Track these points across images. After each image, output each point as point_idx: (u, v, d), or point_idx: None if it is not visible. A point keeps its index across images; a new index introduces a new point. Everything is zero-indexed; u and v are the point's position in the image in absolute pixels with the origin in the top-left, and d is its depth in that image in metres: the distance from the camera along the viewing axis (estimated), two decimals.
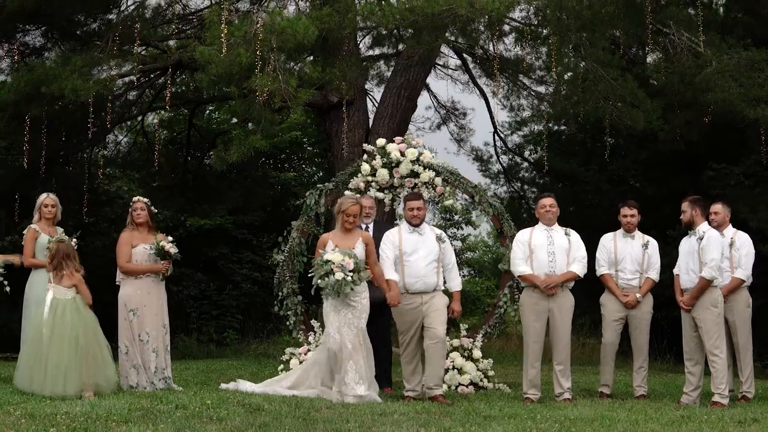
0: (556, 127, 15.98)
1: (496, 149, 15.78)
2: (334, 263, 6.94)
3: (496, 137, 15.45)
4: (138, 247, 7.63)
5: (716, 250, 7.38)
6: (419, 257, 7.45)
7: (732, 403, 7.47)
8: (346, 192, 8.69)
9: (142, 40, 11.72)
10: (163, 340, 7.65)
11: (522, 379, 7.71)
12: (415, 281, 7.43)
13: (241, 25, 9.41)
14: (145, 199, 7.88)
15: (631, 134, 13.34)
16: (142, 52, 12.22)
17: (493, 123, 14.87)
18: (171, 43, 13.62)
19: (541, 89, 14.10)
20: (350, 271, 6.97)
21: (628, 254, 7.99)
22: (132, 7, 12.99)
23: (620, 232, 8.16)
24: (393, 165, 8.66)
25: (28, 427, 4.93)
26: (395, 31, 11.74)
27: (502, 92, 14.29)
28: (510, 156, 16.53)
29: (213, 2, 14.14)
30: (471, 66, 14.50)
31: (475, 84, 14.50)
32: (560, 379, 7.54)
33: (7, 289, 7.87)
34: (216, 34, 9.33)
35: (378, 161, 8.69)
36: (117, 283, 7.87)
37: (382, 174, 8.65)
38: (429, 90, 15.66)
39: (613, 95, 11.41)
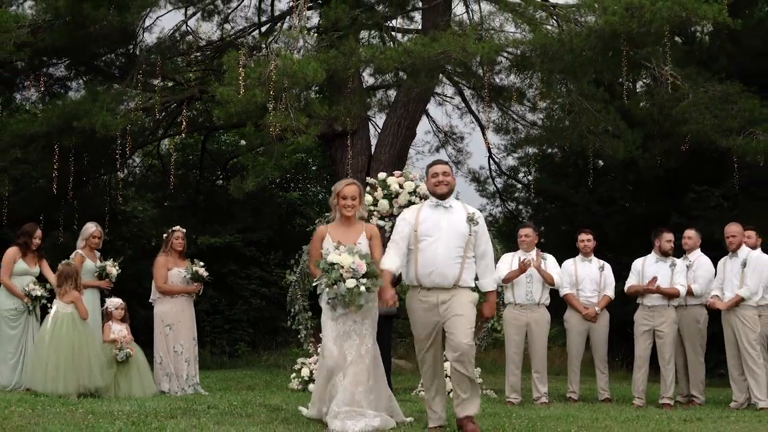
0: (549, 150, 17.38)
1: (490, 172, 17.26)
2: (343, 267, 6.01)
3: (491, 161, 16.92)
4: (173, 270, 9.08)
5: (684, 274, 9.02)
6: (439, 239, 6.05)
7: (686, 406, 8.92)
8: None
9: (162, 75, 13.18)
10: (193, 351, 9.08)
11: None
12: (429, 271, 6.03)
13: (256, 67, 10.83)
14: (184, 230, 9.34)
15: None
16: (162, 84, 13.58)
17: (488, 148, 16.31)
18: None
19: (533, 115, 15.58)
20: (363, 276, 6.03)
21: (587, 276, 9.43)
22: (149, 41, 14.55)
23: (579, 257, 9.60)
24: (393, 196, 10.01)
25: (96, 422, 6.30)
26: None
27: (494, 121, 15.74)
28: (504, 179, 17.95)
29: (224, 36, 15.74)
30: (467, 95, 15.93)
31: (471, 112, 15.94)
32: (537, 384, 8.95)
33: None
34: (233, 76, 10.76)
35: (379, 193, 10.07)
36: (150, 302, 9.32)
37: (383, 204, 10.01)
38: (428, 116, 17.11)
39: (596, 126, 12.84)
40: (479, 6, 12.72)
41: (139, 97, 12.23)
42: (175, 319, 9.01)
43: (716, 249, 10.08)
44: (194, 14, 13.93)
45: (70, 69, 14.53)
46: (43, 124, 12.14)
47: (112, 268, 9.50)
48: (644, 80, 14.42)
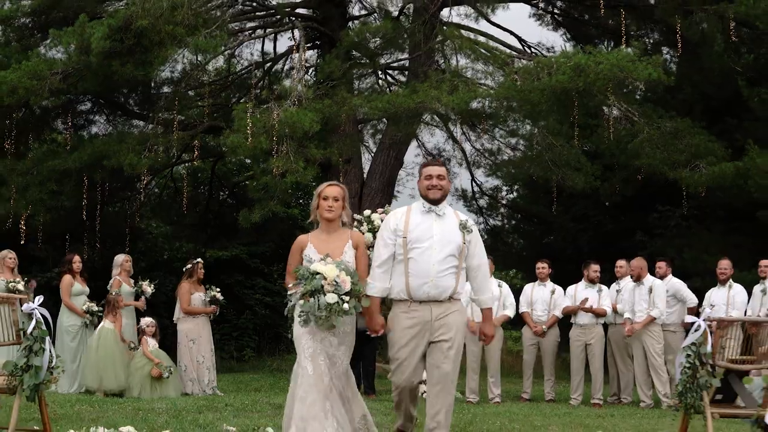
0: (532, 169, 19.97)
1: (473, 194, 19.89)
2: (325, 279, 5.72)
3: (473, 184, 19.61)
4: (195, 294, 11.75)
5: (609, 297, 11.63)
6: (432, 248, 5.92)
7: (615, 405, 11.55)
8: None
9: (178, 112, 15.82)
10: (212, 360, 11.76)
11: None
12: (423, 283, 5.90)
13: (261, 117, 13.44)
14: (202, 261, 12.00)
15: None
16: (179, 120, 16.14)
17: (470, 172, 18.95)
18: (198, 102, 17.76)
19: (512, 141, 18.18)
20: (346, 294, 5.74)
21: (540, 298, 12.04)
22: (162, 74, 17.18)
23: (537, 282, 12.21)
24: (376, 230, 12.55)
25: (146, 416, 8.93)
26: None
27: (478, 143, 18.37)
28: (486, 199, 20.61)
29: (231, 70, 18.38)
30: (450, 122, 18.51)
31: (453, 139, 18.54)
32: (492, 387, 11.59)
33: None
34: (242, 125, 13.37)
35: (365, 227, 12.65)
36: (175, 321, 12.01)
37: (368, 237, 12.54)
38: (417, 139, 19.66)
39: (559, 160, 15.43)
40: (456, 58, 15.30)
41: (160, 139, 14.81)
42: (197, 335, 11.72)
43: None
44: (209, 61, 16.50)
45: (94, 105, 17.25)
46: (76, 162, 14.78)
47: (148, 288, 12.15)
48: (607, 114, 16.91)
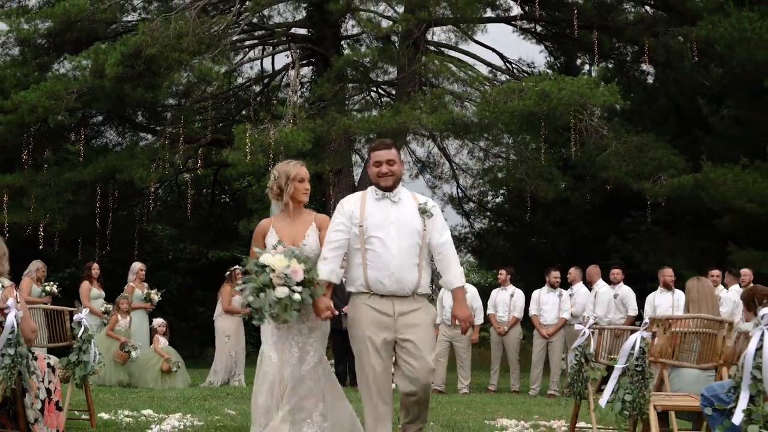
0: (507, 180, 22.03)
1: (459, 200, 21.99)
2: (274, 272, 5.48)
3: (459, 190, 21.72)
4: (235, 297, 13.89)
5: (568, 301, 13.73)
6: (390, 238, 5.67)
7: (567, 396, 13.65)
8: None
9: (183, 127, 17.95)
10: (242, 355, 14.07)
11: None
12: (383, 276, 5.66)
13: (259, 136, 15.55)
14: (240, 268, 14.14)
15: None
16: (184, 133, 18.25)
17: (456, 180, 21.05)
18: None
19: (495, 150, 20.27)
20: (298, 284, 5.49)
21: (501, 301, 14.10)
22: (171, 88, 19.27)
23: (500, 287, 14.32)
24: None
25: (161, 402, 11.04)
26: None
27: (464, 152, 20.50)
28: (471, 205, 22.73)
29: (232, 83, 20.49)
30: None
31: (440, 148, 20.67)
32: (462, 380, 13.67)
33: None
34: (242, 143, 15.49)
35: None
36: (213, 318, 14.16)
37: None
38: (407, 146, 21.73)
39: (532, 172, 17.53)
40: (438, 80, 17.39)
41: (167, 153, 16.96)
42: (233, 332, 13.97)
43: (636, 267, 14.77)
44: (211, 81, 18.58)
45: (105, 118, 19.43)
46: (91, 174, 16.92)
47: (155, 296, 14.30)
48: (580, 126, 18.96)
